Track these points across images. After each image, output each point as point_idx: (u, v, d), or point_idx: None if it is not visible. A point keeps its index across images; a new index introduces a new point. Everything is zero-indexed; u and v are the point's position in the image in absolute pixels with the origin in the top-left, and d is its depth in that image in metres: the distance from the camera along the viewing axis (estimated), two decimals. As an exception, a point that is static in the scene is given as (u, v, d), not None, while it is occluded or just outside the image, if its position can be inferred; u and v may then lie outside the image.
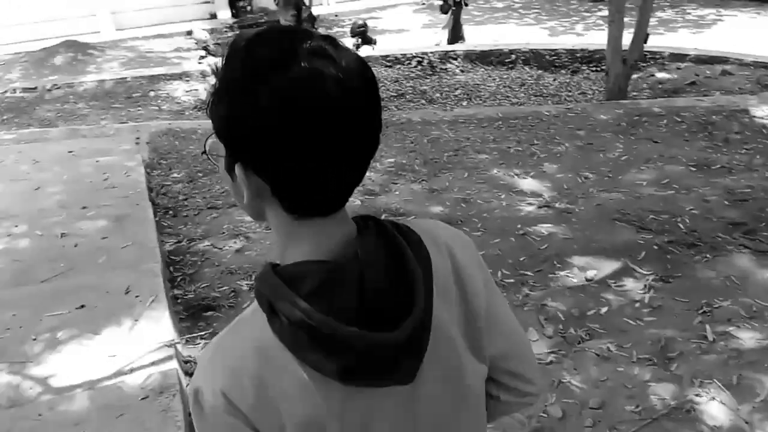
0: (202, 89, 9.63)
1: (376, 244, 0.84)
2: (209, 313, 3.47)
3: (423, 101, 8.65)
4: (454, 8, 10.95)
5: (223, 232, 4.42)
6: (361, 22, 10.73)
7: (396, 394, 0.87)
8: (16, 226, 4.26)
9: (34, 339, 2.96)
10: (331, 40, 0.78)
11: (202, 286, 3.75)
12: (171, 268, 3.96)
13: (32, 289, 3.46)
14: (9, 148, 6.22)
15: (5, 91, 9.70)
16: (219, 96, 0.79)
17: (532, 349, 1.14)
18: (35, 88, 9.88)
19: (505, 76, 9.59)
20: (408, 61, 10.10)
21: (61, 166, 5.40)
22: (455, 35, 11.13)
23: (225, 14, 16.17)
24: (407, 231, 0.90)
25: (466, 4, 11.24)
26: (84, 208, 4.48)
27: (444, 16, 11.18)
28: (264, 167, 0.78)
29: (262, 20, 15.86)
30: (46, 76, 11.27)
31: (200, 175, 5.41)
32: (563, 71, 9.72)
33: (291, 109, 0.73)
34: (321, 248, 0.82)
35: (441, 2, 11.12)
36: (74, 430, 2.34)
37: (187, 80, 9.92)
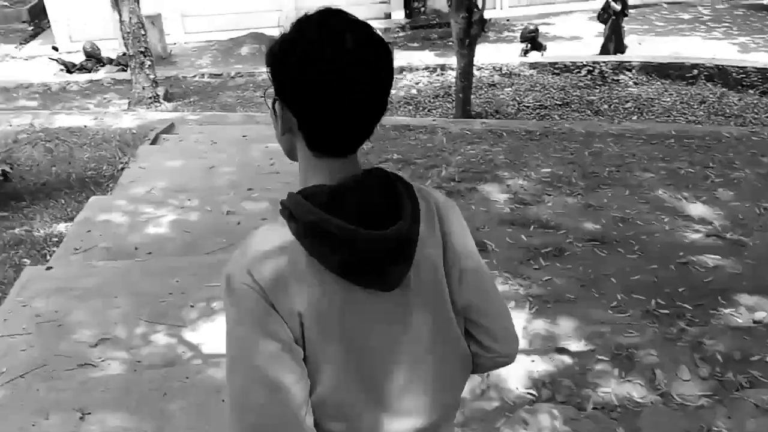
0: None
1: (375, 176, 1.07)
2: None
3: (588, 112, 8.30)
4: (614, 17, 10.41)
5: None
6: (532, 27, 10.51)
7: (389, 302, 1.08)
8: (189, 200, 4.66)
9: (192, 306, 3.21)
10: (348, 17, 1.05)
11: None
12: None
13: (197, 260, 3.76)
14: (192, 128, 6.82)
15: (194, 76, 10.64)
16: (271, 49, 1.05)
17: (509, 315, 1.28)
18: (221, 74, 10.75)
19: (683, 92, 8.93)
20: (577, 70, 9.73)
21: (235, 148, 5.83)
22: (617, 46, 10.51)
23: (399, 15, 16.48)
24: (402, 179, 1.11)
25: (626, 14, 10.61)
26: (249, 189, 4.80)
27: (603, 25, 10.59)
28: (292, 104, 1.04)
29: (434, 22, 15.97)
30: (231, 65, 12.19)
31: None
32: (751, 91, 8.87)
33: (305, 63, 0.99)
34: (333, 178, 1.05)
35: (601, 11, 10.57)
36: (216, 397, 2.51)
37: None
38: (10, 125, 7.33)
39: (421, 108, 8.82)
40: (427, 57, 12.67)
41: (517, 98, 8.83)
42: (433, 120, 7.50)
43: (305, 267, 1.03)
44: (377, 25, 15.10)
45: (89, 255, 3.93)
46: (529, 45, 10.56)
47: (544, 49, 10.61)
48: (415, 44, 14.32)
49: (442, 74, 10.20)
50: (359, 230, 1.01)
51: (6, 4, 17.74)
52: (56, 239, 4.42)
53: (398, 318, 1.12)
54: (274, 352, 1.02)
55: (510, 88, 9.25)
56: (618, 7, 10.26)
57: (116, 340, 2.97)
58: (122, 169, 5.59)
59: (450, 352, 1.20)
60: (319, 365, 1.07)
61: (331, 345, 1.06)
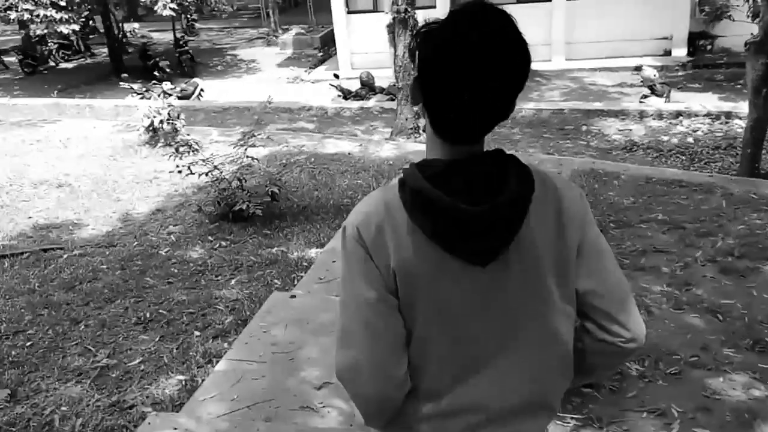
0: (636, 129, 9.15)
1: (489, 155, 1.16)
2: (587, 390, 3.14)
3: None
4: None
5: (624, 298, 3.99)
6: None
7: (482, 276, 1.15)
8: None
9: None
10: (493, 11, 1.09)
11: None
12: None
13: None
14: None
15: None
16: (417, 32, 1.16)
17: (632, 300, 1.27)
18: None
19: None
20: None
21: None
22: None
23: (680, 52, 15.09)
24: (520, 163, 1.16)
25: None
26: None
27: None
28: (422, 84, 1.13)
29: (721, 62, 14.34)
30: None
31: (612, 225, 5.05)
32: None
33: (434, 59, 1.10)
34: (451, 156, 1.15)
35: None
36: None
37: (623, 119, 9.55)
38: (287, 146, 8.10)
39: (696, 160, 7.83)
40: (709, 100, 11.35)
41: (820, 158, 7.40)
42: (710, 176, 6.57)
43: (405, 229, 1.14)
44: (654, 62, 14.00)
45: (331, 287, 4.04)
46: None
47: None
48: (697, 85, 12.95)
49: (727, 123, 8.99)
50: (455, 203, 1.09)
51: (302, 31, 20.03)
52: (306, 264, 4.67)
53: (489, 293, 1.18)
54: (371, 299, 1.16)
55: (812, 146, 7.79)
56: None
57: (339, 388, 2.95)
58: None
59: (543, 342, 1.23)
60: (410, 321, 1.19)
61: (420, 303, 1.17)
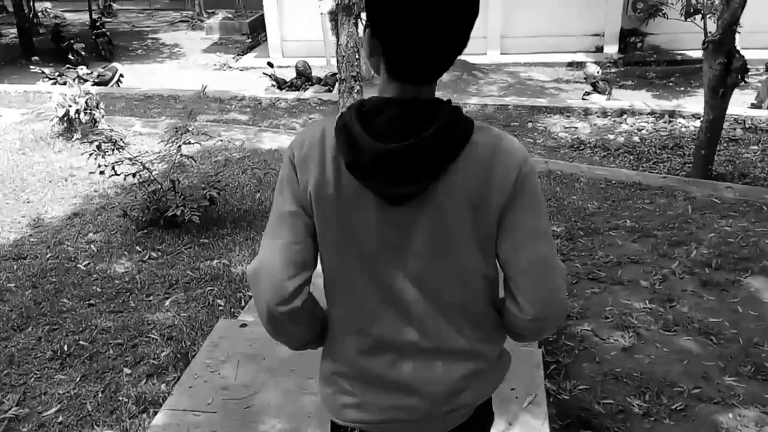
0: (582, 127, 9.00)
1: (428, 102, 1.20)
2: (589, 433, 2.78)
3: None
4: None
5: (607, 317, 3.68)
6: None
7: (394, 214, 1.21)
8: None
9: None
10: None
11: (581, 387, 3.07)
12: (541, 346, 3.37)
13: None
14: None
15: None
16: None
17: (555, 281, 1.25)
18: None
19: None
20: None
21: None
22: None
23: (612, 49, 15.24)
24: (458, 114, 1.21)
25: None
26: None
27: None
28: (376, 31, 1.18)
29: (651, 59, 14.58)
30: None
31: (581, 233, 4.76)
32: None
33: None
34: (396, 96, 1.21)
35: None
36: None
37: (568, 116, 9.38)
38: (221, 139, 7.43)
39: (644, 160, 7.72)
40: (643, 97, 11.45)
41: (767, 158, 7.42)
42: (663, 177, 6.43)
43: (330, 157, 1.21)
44: (586, 58, 14.05)
45: (285, 309, 3.52)
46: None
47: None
48: (630, 82, 13.09)
49: (671, 122, 8.96)
50: (369, 139, 1.16)
51: (230, 16, 19.09)
52: (252, 280, 4.11)
53: (401, 230, 1.23)
54: (285, 211, 1.26)
55: (756, 146, 7.83)
56: None
57: (309, 446, 2.46)
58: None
59: (448, 290, 1.27)
60: (322, 245, 1.28)
61: (332, 230, 1.25)
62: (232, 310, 3.79)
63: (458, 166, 1.18)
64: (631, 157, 7.84)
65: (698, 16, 12.16)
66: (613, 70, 13.89)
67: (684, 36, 13.61)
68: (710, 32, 6.29)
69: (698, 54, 13.36)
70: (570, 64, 14.47)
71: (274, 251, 1.25)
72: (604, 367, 3.24)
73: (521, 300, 1.24)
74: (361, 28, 8.27)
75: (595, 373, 3.20)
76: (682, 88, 12.62)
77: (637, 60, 14.59)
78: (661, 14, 12.27)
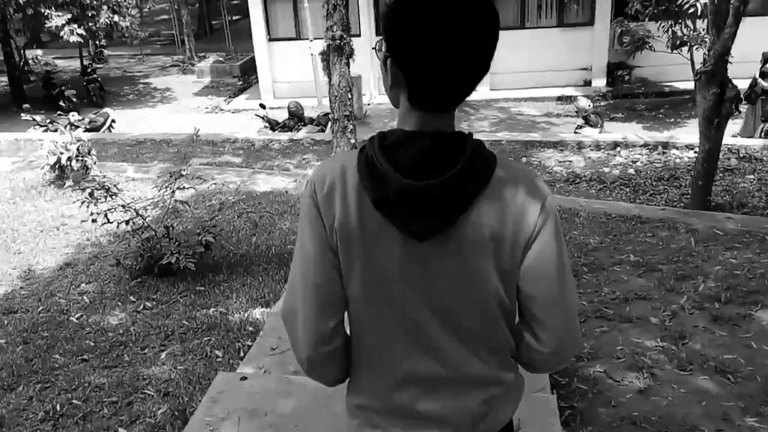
0: (576, 161, 9.00)
1: (449, 136, 1.20)
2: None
3: None
4: (763, 97, 9.48)
5: (619, 357, 3.57)
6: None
7: (414, 247, 1.20)
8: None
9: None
10: None
11: (598, 433, 2.95)
12: (554, 391, 3.25)
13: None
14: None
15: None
16: (384, 11, 1.20)
17: (572, 315, 1.30)
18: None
19: None
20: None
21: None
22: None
23: (600, 82, 15.41)
24: (481, 149, 1.20)
25: None
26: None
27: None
28: (400, 61, 1.18)
29: (639, 91, 14.74)
30: (424, 129, 11.86)
31: (585, 270, 4.67)
32: None
33: (407, 21, 1.15)
34: (419, 128, 1.20)
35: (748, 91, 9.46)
36: None
37: (562, 150, 9.38)
38: (215, 182, 7.36)
39: (641, 192, 7.68)
40: (635, 130, 11.51)
41: (764, 188, 7.40)
42: (662, 209, 6.38)
43: (354, 191, 1.20)
44: (575, 92, 14.18)
45: (287, 358, 3.40)
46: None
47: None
48: (620, 114, 13.20)
49: (664, 153, 8.97)
50: (396, 174, 1.15)
51: (220, 59, 19.25)
52: (251, 329, 3.98)
53: (425, 265, 1.22)
54: (311, 253, 1.24)
55: (752, 175, 7.83)
56: (767, 84, 9.49)
57: None
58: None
59: (474, 320, 1.27)
60: (348, 282, 1.26)
61: (358, 266, 1.23)
62: (231, 361, 3.66)
63: (482, 201, 1.19)
64: (628, 190, 7.81)
65: (685, 48, 12.38)
66: (602, 103, 13.99)
67: (671, 68, 13.79)
68: (700, 64, 6.31)
69: (686, 85, 13.65)
70: (559, 98, 14.59)
71: (307, 294, 1.25)
72: (621, 410, 3.12)
73: (541, 333, 1.26)
74: (353, 66, 8.30)
75: (612, 417, 3.08)
76: (672, 119, 12.73)
77: (626, 92, 14.73)
78: (648, 47, 12.47)
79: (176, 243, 4.72)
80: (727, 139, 8.76)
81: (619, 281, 4.50)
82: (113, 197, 4.68)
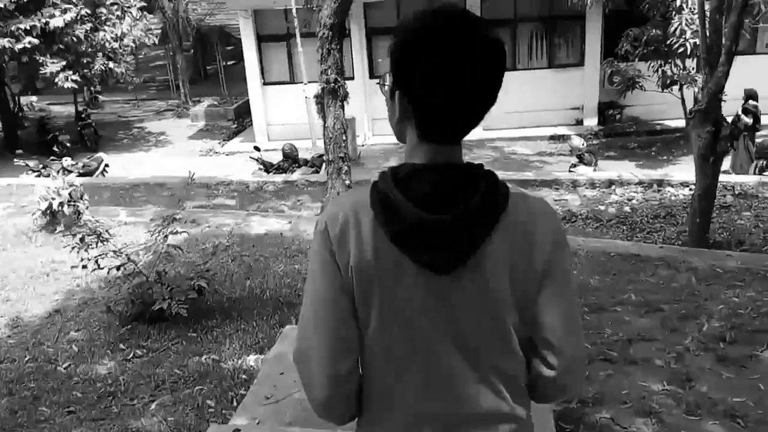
0: (572, 199, 8.98)
1: (460, 167, 1.21)
2: None
3: None
4: (745, 133, 9.58)
5: (625, 402, 3.46)
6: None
7: (437, 283, 1.20)
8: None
9: None
10: (464, 14, 1.17)
11: (607, 485, 2.82)
12: (560, 438, 3.13)
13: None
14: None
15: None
16: (392, 44, 1.20)
17: (580, 338, 1.31)
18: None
19: None
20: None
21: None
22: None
23: (591, 121, 15.55)
24: (494, 179, 1.21)
25: (758, 129, 9.80)
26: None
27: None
28: (408, 93, 1.18)
29: (631, 130, 14.88)
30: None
31: (587, 310, 4.58)
32: None
33: (415, 53, 1.16)
34: (426, 161, 1.21)
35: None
36: None
37: (557, 188, 9.39)
38: (209, 225, 7.29)
39: (637, 230, 7.65)
40: (628, 168, 11.56)
41: (761, 224, 7.37)
42: (661, 247, 6.33)
43: (369, 228, 1.19)
44: (567, 131, 14.30)
45: (282, 408, 3.27)
46: (766, 162, 9.09)
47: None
48: (613, 153, 13.28)
49: (659, 191, 8.98)
50: (414, 209, 1.15)
51: (215, 103, 19.37)
52: (245, 377, 3.86)
53: (445, 299, 1.21)
54: (324, 295, 1.22)
55: (749, 212, 7.81)
56: (749, 121, 9.60)
57: None
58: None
59: (493, 354, 1.25)
60: (365, 320, 1.23)
61: (376, 303, 1.21)
62: (224, 411, 3.53)
63: (498, 232, 1.19)
64: (625, 228, 7.77)
65: (675, 87, 12.52)
66: (594, 142, 14.09)
67: (661, 106, 13.93)
68: (692, 102, 6.34)
69: (677, 123, 13.75)
70: (552, 138, 14.70)
71: (320, 336, 1.23)
72: (631, 460, 3.00)
73: (552, 359, 1.26)
74: (347, 108, 8.33)
75: (622, 467, 2.96)
76: (665, 157, 12.80)
77: (618, 131, 14.85)
78: (638, 86, 12.61)
79: (168, 288, 4.61)
80: (722, 176, 8.79)
81: (621, 322, 4.41)
82: (104, 242, 4.60)
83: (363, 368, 1.30)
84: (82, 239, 4.54)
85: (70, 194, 7.25)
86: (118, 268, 4.68)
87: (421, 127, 1.19)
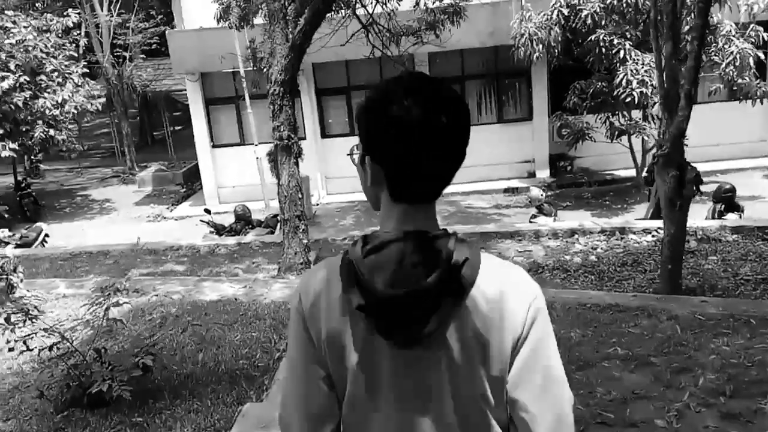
0: (536, 250, 8.79)
1: (435, 238, 1.19)
2: None
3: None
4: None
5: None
6: (728, 186, 9.12)
7: (401, 354, 1.19)
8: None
9: None
10: (423, 78, 1.22)
11: None
12: None
13: None
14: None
15: (344, 238, 9.98)
16: (358, 114, 1.24)
17: (568, 411, 1.23)
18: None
19: None
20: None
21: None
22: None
23: (544, 173, 15.70)
24: (465, 250, 1.18)
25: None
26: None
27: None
28: (378, 157, 1.20)
29: (582, 180, 15.06)
30: (375, 224, 11.59)
31: (573, 368, 4.24)
32: None
33: (381, 118, 1.18)
34: (401, 226, 1.21)
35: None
36: None
37: (520, 239, 9.18)
38: (156, 294, 6.75)
39: (606, 279, 7.45)
40: (584, 217, 11.56)
41: (730, 269, 7.27)
42: (634, 296, 6.11)
43: (338, 300, 1.20)
44: (521, 184, 14.37)
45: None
46: (723, 206, 9.11)
47: (742, 211, 9.11)
48: (568, 203, 13.32)
49: (622, 238, 8.86)
50: (374, 281, 1.15)
51: (163, 168, 18.86)
52: (200, 469, 3.35)
53: (410, 371, 1.20)
54: (299, 367, 1.25)
55: (715, 257, 7.72)
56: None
57: None
58: (279, 359, 4.59)
59: (465, 426, 1.22)
60: (341, 391, 1.24)
61: (343, 373, 1.21)
62: None
63: (468, 303, 1.17)
64: (593, 277, 7.56)
65: (624, 137, 12.70)
66: (549, 193, 14.11)
67: (611, 157, 14.17)
68: (646, 151, 6.26)
69: (627, 173, 13.95)
70: (506, 190, 14.74)
71: (299, 406, 1.26)
72: None
73: (536, 427, 1.21)
74: (302, 167, 8.04)
75: None
76: (619, 206, 12.90)
77: (570, 182, 15.01)
78: (588, 138, 12.76)
79: (109, 367, 4.09)
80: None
81: (611, 379, 4.08)
82: (33, 321, 4.06)
83: None
84: (7, 319, 4.00)
85: (2, 267, 6.64)
86: (50, 348, 4.13)
87: (394, 188, 1.21)
